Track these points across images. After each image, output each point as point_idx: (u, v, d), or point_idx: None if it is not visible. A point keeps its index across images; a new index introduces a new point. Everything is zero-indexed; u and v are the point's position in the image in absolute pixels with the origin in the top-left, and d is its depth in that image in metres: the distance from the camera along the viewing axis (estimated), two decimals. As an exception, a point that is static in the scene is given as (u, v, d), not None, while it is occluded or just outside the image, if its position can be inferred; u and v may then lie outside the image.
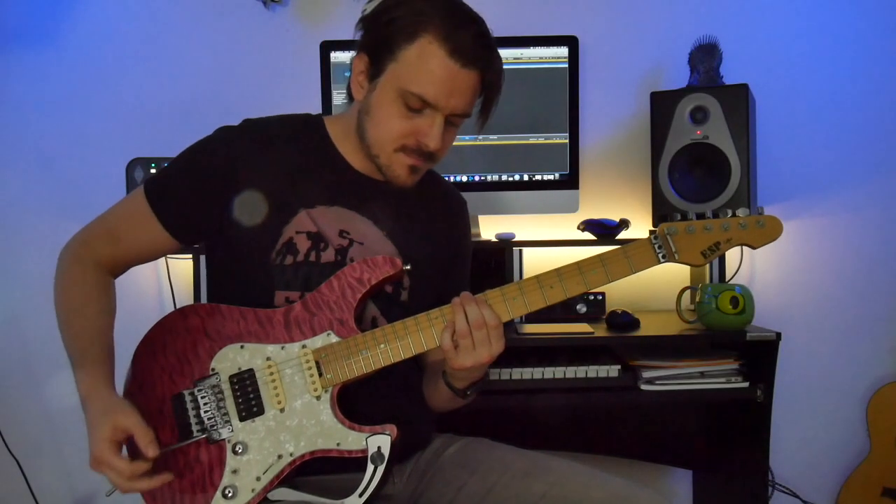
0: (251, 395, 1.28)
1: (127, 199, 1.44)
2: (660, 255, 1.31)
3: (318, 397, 1.28)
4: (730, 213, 1.31)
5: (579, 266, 1.30)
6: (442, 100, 1.28)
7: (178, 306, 1.40)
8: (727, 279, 2.24)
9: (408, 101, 1.29)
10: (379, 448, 1.25)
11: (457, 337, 1.26)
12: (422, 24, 1.27)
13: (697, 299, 1.97)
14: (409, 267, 1.34)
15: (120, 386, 1.34)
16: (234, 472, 1.26)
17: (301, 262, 1.35)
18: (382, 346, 1.29)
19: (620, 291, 2.10)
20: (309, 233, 1.36)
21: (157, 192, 1.38)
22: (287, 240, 1.35)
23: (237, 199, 1.34)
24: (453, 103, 1.30)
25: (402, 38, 1.28)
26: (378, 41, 1.30)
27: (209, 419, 1.28)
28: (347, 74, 1.47)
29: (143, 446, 1.19)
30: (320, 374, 1.28)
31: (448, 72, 1.27)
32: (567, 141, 2.18)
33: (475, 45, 1.28)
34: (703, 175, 2.11)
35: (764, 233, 1.32)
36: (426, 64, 1.27)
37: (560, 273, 1.30)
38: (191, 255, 2.08)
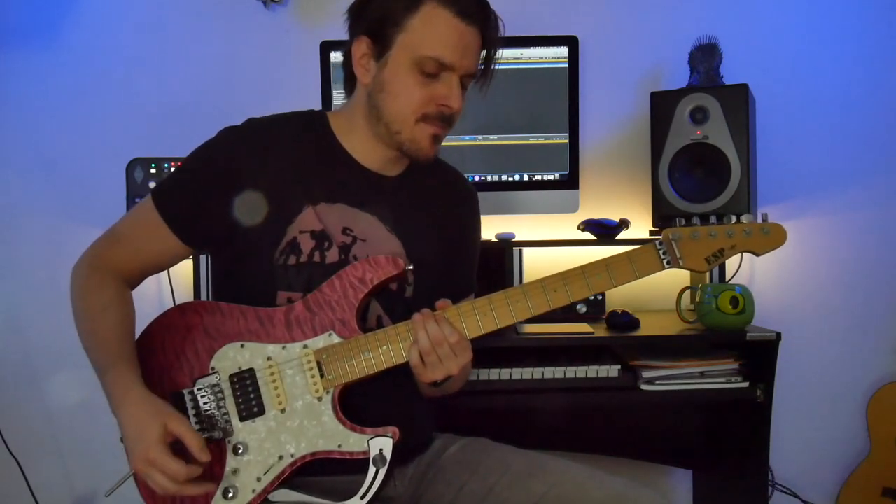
0: (251, 395, 1.28)
1: (136, 209, 1.42)
2: (664, 261, 1.31)
3: (319, 398, 1.28)
4: (734, 219, 1.32)
5: (584, 270, 1.30)
6: (457, 59, 1.31)
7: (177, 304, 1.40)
8: (727, 279, 2.24)
9: (424, 67, 1.30)
10: (381, 450, 1.25)
11: (422, 355, 1.27)
12: None
13: (697, 299, 1.97)
14: (411, 267, 1.33)
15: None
16: (235, 472, 1.26)
17: (304, 263, 1.34)
18: (385, 347, 1.28)
19: (620, 291, 2.07)
20: (313, 232, 1.35)
21: (165, 199, 1.37)
22: (291, 239, 1.34)
23: (242, 200, 1.34)
24: (466, 63, 1.32)
25: (403, 8, 1.30)
26: (377, 19, 1.32)
27: (210, 419, 1.28)
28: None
29: (197, 452, 1.19)
30: (322, 375, 1.28)
31: (457, 31, 1.30)
32: (567, 141, 2.18)
33: (475, 4, 1.32)
34: (703, 175, 2.11)
35: (768, 240, 1.33)
36: (436, 27, 1.29)
37: (565, 277, 1.30)
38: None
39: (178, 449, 1.19)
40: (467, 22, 1.30)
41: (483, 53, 1.38)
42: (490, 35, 1.36)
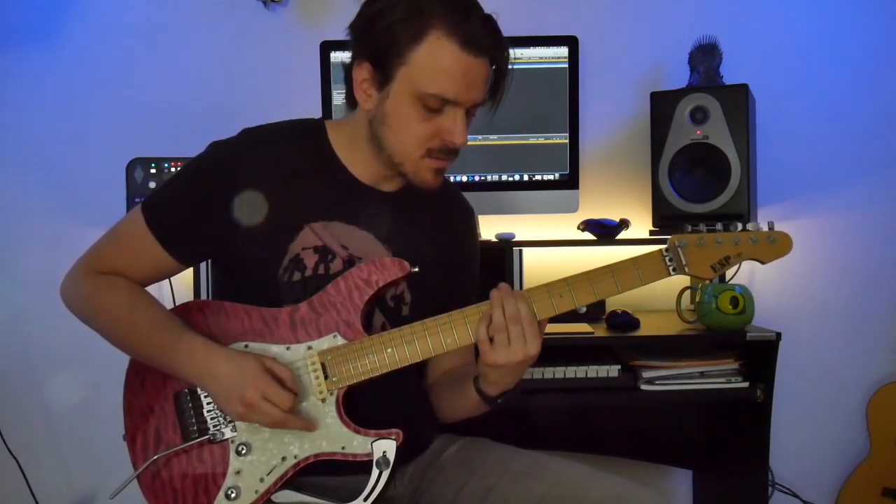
0: (255, 396, 1.28)
1: (125, 225, 1.38)
2: (670, 268, 1.30)
3: (323, 400, 1.27)
4: (740, 226, 1.31)
5: (589, 276, 1.29)
6: (462, 95, 1.25)
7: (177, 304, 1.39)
8: (727, 279, 2.24)
9: (427, 103, 1.25)
10: (384, 453, 1.25)
11: (492, 330, 1.24)
12: (426, 21, 1.21)
13: (697, 299, 1.97)
14: (417, 269, 1.32)
15: (120, 382, 1.34)
16: (238, 472, 1.26)
17: (310, 277, 1.32)
18: (389, 350, 1.28)
19: (620, 291, 2.11)
20: (316, 247, 1.33)
21: (157, 217, 1.33)
22: (294, 256, 1.32)
23: (239, 217, 1.31)
24: (473, 95, 1.26)
25: (407, 39, 1.22)
26: (380, 47, 1.25)
27: (212, 419, 1.28)
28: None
29: (291, 384, 1.24)
30: (326, 377, 1.28)
31: (463, 65, 1.23)
32: (567, 141, 2.18)
33: (485, 32, 1.24)
34: (703, 175, 2.11)
35: (774, 248, 1.32)
36: (439, 62, 1.22)
37: (569, 282, 1.29)
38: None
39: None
40: (475, 54, 1.23)
41: (492, 78, 1.30)
42: (501, 62, 1.29)
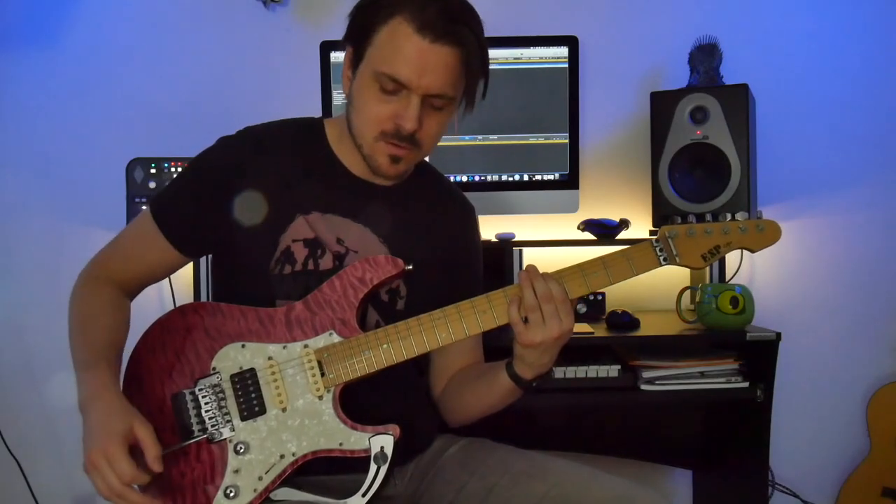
0: (252, 395, 1.28)
1: (135, 220, 1.44)
2: (661, 258, 1.31)
3: (320, 397, 1.28)
4: (729, 216, 1.33)
5: (581, 268, 1.30)
6: (414, 78, 1.25)
7: (177, 306, 1.40)
8: (727, 279, 2.24)
9: (382, 84, 1.26)
10: (382, 448, 1.25)
11: (525, 311, 1.25)
12: (397, 6, 1.24)
13: (697, 299, 1.98)
14: (411, 266, 1.33)
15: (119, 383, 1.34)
16: (236, 471, 1.26)
17: (300, 272, 1.34)
18: (385, 346, 1.28)
19: (620, 291, 2.09)
20: (306, 240, 1.35)
21: (161, 209, 1.39)
22: (284, 249, 1.34)
23: (236, 209, 1.34)
24: (426, 82, 1.25)
25: (378, 21, 1.26)
26: (359, 29, 1.29)
27: (210, 419, 1.28)
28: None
29: (151, 460, 1.17)
30: (322, 374, 1.28)
31: (416, 48, 1.23)
32: (567, 141, 2.18)
33: (442, 19, 1.23)
34: (703, 175, 2.11)
35: (763, 237, 1.33)
36: (395, 42, 1.24)
37: (562, 275, 1.29)
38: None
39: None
40: (431, 39, 1.23)
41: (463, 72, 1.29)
42: (466, 57, 1.27)
